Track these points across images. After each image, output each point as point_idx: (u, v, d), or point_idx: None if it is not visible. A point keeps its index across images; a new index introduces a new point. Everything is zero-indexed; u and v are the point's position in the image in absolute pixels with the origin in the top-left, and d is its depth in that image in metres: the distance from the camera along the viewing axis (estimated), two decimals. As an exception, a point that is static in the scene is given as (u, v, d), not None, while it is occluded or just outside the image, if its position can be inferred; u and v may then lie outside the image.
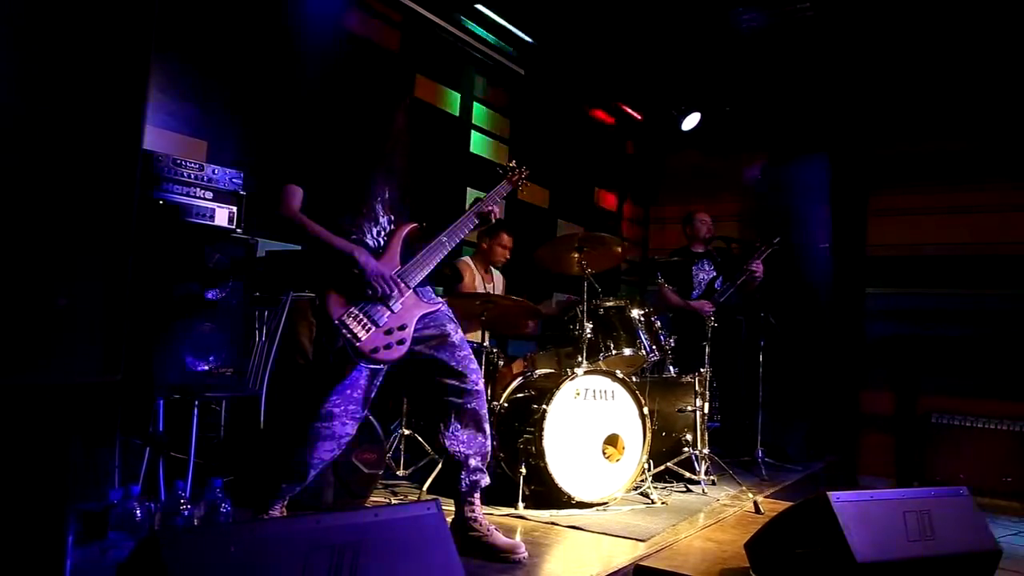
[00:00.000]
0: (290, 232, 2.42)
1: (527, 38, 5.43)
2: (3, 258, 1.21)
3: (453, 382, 2.50)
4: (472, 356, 2.56)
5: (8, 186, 1.23)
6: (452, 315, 2.58)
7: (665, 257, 5.37)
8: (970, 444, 5.53)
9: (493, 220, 2.65)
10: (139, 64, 1.39)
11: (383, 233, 2.53)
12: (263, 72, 3.83)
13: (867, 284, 6.37)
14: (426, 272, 2.50)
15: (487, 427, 2.57)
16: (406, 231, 2.54)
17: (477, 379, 2.54)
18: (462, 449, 2.52)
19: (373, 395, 2.53)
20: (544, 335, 4.79)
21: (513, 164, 2.87)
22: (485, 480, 2.57)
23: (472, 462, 2.53)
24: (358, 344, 2.31)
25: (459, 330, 2.56)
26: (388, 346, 2.35)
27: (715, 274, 5.08)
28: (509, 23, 5.23)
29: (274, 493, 2.44)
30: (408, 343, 2.40)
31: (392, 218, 2.57)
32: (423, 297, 2.50)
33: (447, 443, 2.52)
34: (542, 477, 3.29)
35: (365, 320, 2.34)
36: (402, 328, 2.39)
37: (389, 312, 2.38)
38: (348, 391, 2.45)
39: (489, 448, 2.58)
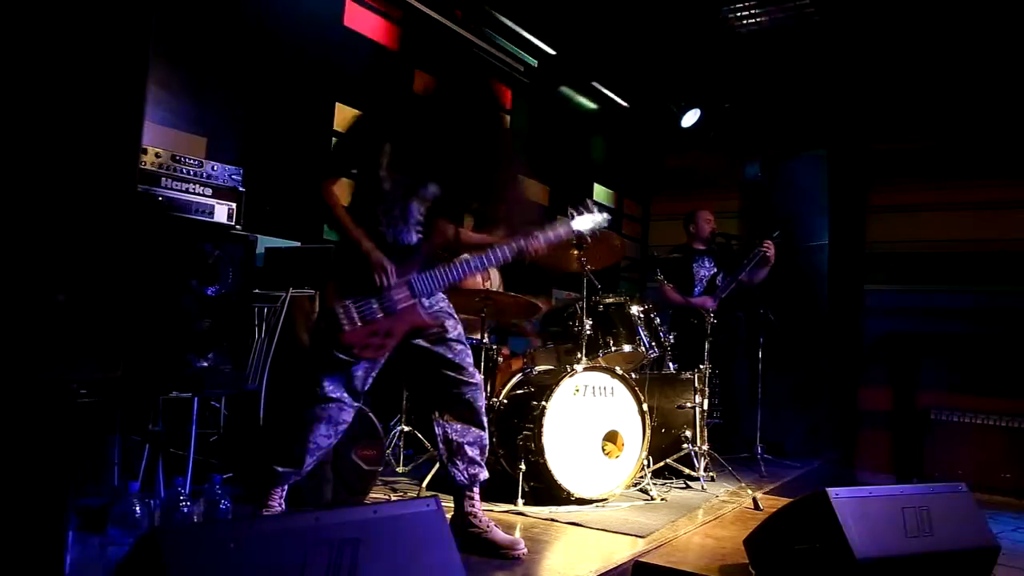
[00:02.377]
0: (324, 215, 2.54)
1: (530, 36, 5.42)
2: (3, 255, 1.21)
3: (452, 374, 2.53)
4: (469, 351, 2.59)
5: (8, 183, 1.22)
6: (452, 311, 2.60)
7: (665, 254, 5.35)
8: (969, 440, 5.53)
9: (530, 257, 2.63)
10: (139, 60, 1.38)
11: (410, 231, 2.53)
12: (262, 67, 3.82)
13: (866, 280, 6.36)
14: (437, 287, 2.52)
15: (483, 420, 2.59)
16: (438, 241, 2.56)
17: (474, 372, 2.58)
18: (455, 437, 2.55)
19: (369, 385, 2.53)
20: (544, 332, 4.78)
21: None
22: (483, 474, 2.58)
23: (469, 452, 2.54)
24: (340, 335, 2.36)
25: (458, 326, 2.59)
26: (366, 347, 2.39)
27: (716, 270, 5.06)
28: (511, 21, 5.21)
29: (272, 479, 2.44)
30: (387, 350, 2.44)
31: (425, 211, 2.55)
32: (424, 307, 2.50)
33: (440, 431, 2.56)
34: (541, 473, 3.29)
35: (355, 315, 2.38)
36: (387, 335, 2.41)
37: (383, 314, 2.41)
38: (344, 378, 2.46)
39: (487, 441, 2.60)
